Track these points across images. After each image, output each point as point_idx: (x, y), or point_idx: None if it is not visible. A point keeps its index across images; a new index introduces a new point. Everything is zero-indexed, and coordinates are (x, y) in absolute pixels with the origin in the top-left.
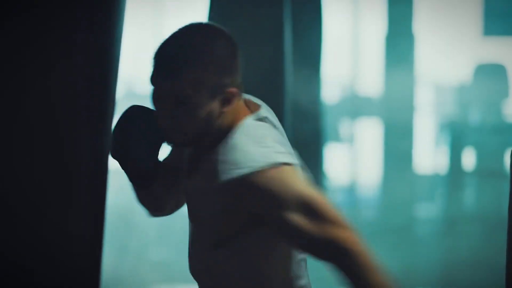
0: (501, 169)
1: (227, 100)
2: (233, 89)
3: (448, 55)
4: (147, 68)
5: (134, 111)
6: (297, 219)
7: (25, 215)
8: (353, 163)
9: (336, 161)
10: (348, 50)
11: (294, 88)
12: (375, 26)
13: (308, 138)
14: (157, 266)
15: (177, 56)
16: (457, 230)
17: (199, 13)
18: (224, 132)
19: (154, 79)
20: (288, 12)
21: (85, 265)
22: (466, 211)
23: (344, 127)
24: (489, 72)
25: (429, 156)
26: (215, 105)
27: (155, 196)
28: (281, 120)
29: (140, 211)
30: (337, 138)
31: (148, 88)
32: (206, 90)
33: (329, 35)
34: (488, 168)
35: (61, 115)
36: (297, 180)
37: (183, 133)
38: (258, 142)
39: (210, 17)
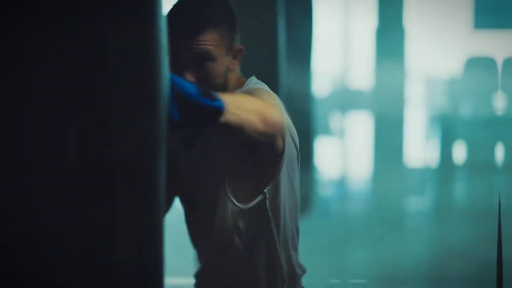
0: (492, 162)
1: (235, 56)
2: (240, 46)
3: (438, 48)
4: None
5: None
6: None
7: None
8: (343, 156)
9: (327, 155)
10: (339, 44)
11: (285, 82)
12: (366, 19)
13: (299, 132)
14: None
15: (198, 17)
16: (448, 223)
17: None
18: (231, 88)
19: (175, 40)
20: (282, 7)
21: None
22: (457, 204)
23: (335, 120)
24: (480, 66)
25: (419, 149)
26: (229, 61)
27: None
28: None
29: None
30: (328, 132)
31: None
32: (223, 46)
33: (320, 29)
34: (479, 162)
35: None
36: (277, 108)
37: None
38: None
39: None
